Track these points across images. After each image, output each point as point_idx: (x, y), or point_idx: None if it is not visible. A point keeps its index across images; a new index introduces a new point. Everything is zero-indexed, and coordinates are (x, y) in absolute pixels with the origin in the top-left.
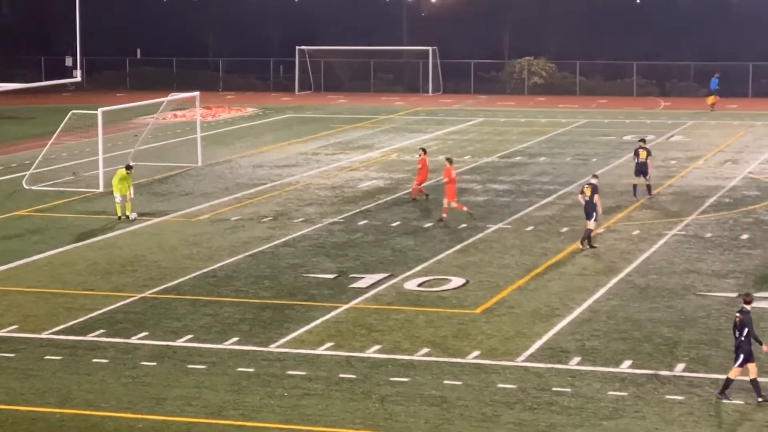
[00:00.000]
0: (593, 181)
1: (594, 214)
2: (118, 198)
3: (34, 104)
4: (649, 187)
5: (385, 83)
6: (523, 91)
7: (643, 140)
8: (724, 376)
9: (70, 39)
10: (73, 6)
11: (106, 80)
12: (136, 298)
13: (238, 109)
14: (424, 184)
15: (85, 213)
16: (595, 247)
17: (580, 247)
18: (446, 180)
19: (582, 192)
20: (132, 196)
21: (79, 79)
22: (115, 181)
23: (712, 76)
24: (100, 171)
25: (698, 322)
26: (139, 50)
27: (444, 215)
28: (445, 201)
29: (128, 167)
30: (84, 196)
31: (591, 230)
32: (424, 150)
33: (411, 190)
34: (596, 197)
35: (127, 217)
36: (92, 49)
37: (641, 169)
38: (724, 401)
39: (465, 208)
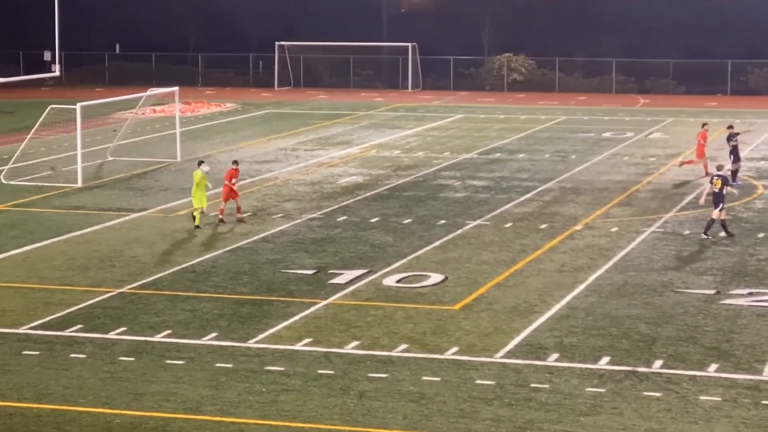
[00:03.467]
0: (722, 173)
1: (721, 204)
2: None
3: (12, 98)
4: (734, 173)
5: (364, 79)
6: (503, 88)
7: (731, 126)
8: (702, 373)
9: (49, 33)
10: (52, 0)
11: (84, 75)
12: (114, 293)
13: (218, 104)
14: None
15: (64, 208)
16: (732, 234)
17: (704, 236)
18: (235, 181)
19: (711, 183)
20: (205, 208)
21: (57, 73)
22: (195, 188)
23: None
24: (79, 166)
25: (676, 318)
26: (118, 45)
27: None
28: (225, 203)
29: (201, 162)
30: (62, 191)
31: (714, 219)
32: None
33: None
34: (727, 188)
35: (198, 225)
36: (71, 44)
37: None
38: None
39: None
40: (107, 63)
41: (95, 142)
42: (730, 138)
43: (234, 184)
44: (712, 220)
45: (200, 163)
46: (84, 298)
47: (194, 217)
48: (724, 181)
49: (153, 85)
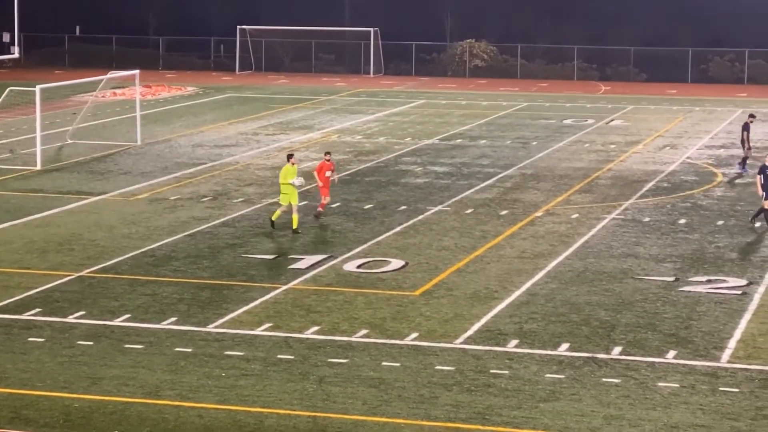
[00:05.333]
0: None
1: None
2: (284, 206)
3: None
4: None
5: (326, 64)
6: (465, 74)
7: (751, 115)
8: (660, 360)
9: (8, 15)
10: None
11: (44, 57)
12: (73, 277)
13: (178, 88)
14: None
15: (22, 191)
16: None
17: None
18: (329, 174)
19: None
20: (297, 206)
21: (17, 55)
22: (285, 181)
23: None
24: (38, 149)
25: (635, 305)
26: (78, 27)
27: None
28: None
29: (290, 156)
30: (21, 173)
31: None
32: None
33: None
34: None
35: (296, 231)
36: (31, 26)
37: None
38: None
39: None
40: (67, 45)
41: (54, 125)
42: (746, 126)
43: (329, 178)
44: (763, 209)
45: (290, 156)
46: (42, 281)
47: (275, 213)
48: (760, 170)
49: (113, 68)
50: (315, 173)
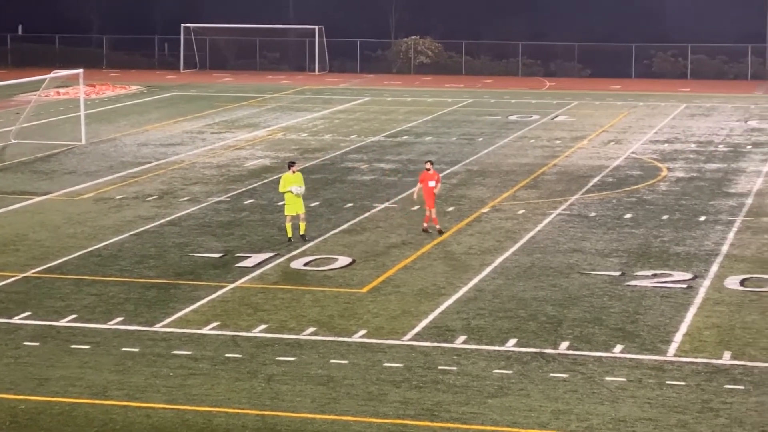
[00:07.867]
0: None
1: None
2: (288, 217)
3: None
4: None
5: (270, 62)
6: (410, 71)
7: None
8: (607, 354)
9: None
10: None
11: None
12: (18, 277)
13: (123, 86)
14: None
15: None
16: None
17: None
18: (433, 184)
19: None
20: (303, 214)
21: None
22: (284, 189)
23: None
24: None
25: (582, 300)
26: (20, 26)
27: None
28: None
29: (291, 163)
30: None
31: None
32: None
33: None
34: None
35: (303, 237)
36: None
37: None
38: None
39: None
40: (9, 44)
41: None
42: None
43: (433, 189)
44: None
45: (291, 164)
46: None
47: (287, 228)
48: None
49: (57, 67)
50: (419, 186)
